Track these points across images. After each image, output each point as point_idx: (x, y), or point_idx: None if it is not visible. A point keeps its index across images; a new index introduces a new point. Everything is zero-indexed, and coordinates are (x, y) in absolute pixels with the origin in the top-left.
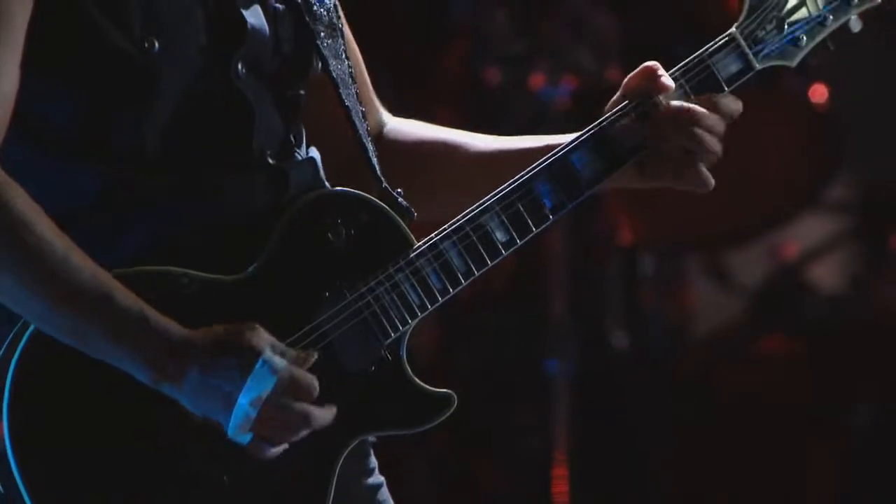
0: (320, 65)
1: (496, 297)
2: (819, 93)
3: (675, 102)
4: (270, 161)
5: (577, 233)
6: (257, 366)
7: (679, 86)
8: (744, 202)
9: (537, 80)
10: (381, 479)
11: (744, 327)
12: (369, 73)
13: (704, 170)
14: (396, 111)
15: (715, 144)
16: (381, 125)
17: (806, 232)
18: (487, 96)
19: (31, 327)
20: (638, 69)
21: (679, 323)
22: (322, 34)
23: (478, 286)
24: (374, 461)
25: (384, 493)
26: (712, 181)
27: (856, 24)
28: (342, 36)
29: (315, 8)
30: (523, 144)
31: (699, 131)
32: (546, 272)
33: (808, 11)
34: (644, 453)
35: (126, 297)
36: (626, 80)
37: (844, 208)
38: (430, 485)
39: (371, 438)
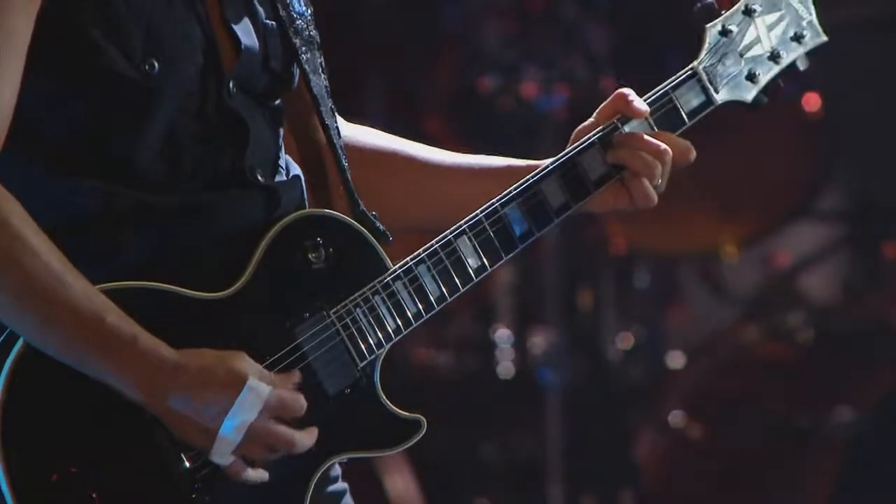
0: (300, 79)
1: (489, 305)
2: (812, 101)
3: (636, 131)
4: (261, 179)
5: (570, 242)
6: (243, 392)
7: (643, 118)
8: (737, 211)
9: (529, 90)
10: (345, 485)
11: (737, 335)
12: (363, 81)
13: (648, 185)
14: (389, 119)
15: (661, 174)
16: None
17: (799, 240)
18: (480, 105)
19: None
20: (610, 97)
21: (672, 331)
22: (303, 49)
23: (470, 294)
24: (337, 469)
25: (347, 501)
26: (655, 198)
27: (802, 63)
28: (318, 49)
29: (297, 22)
30: (484, 163)
31: (649, 157)
32: (540, 281)
33: (763, 48)
34: (638, 461)
35: (118, 316)
36: (599, 108)
37: (837, 217)
38: (422, 494)
39: (343, 459)
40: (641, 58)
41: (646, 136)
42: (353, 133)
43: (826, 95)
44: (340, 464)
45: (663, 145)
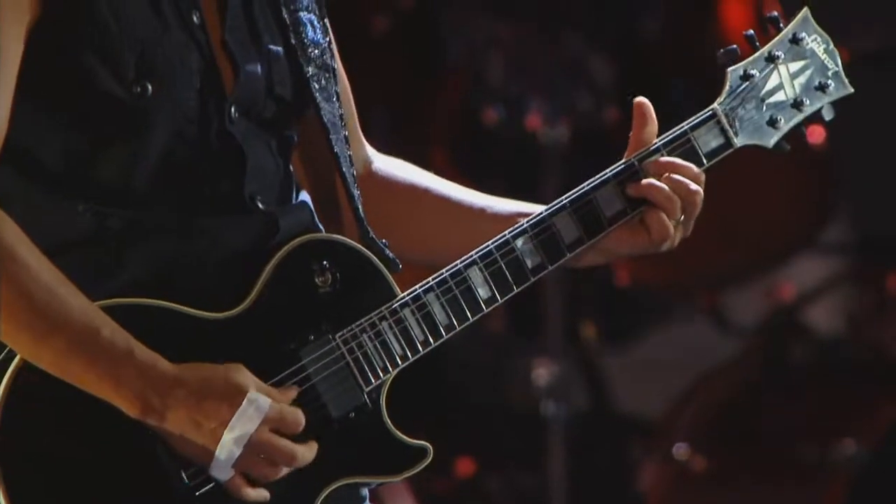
0: (312, 108)
1: (492, 335)
2: (816, 133)
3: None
4: (261, 206)
5: (573, 272)
6: (244, 404)
7: (661, 156)
8: (741, 243)
9: (534, 121)
10: None
11: (741, 368)
12: (367, 113)
13: (667, 220)
14: (393, 150)
15: (681, 210)
16: (368, 163)
17: (803, 273)
18: (484, 136)
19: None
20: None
21: (676, 364)
22: (315, 76)
23: (473, 324)
24: (365, 491)
25: None
26: (671, 233)
27: (828, 113)
28: (335, 76)
29: (310, 50)
30: (516, 207)
31: (669, 191)
32: (542, 311)
33: (786, 94)
34: (641, 494)
35: (113, 330)
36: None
37: (841, 249)
38: None
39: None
40: (646, 90)
41: (677, 162)
42: (388, 166)
43: (830, 127)
44: (370, 490)
45: (693, 185)
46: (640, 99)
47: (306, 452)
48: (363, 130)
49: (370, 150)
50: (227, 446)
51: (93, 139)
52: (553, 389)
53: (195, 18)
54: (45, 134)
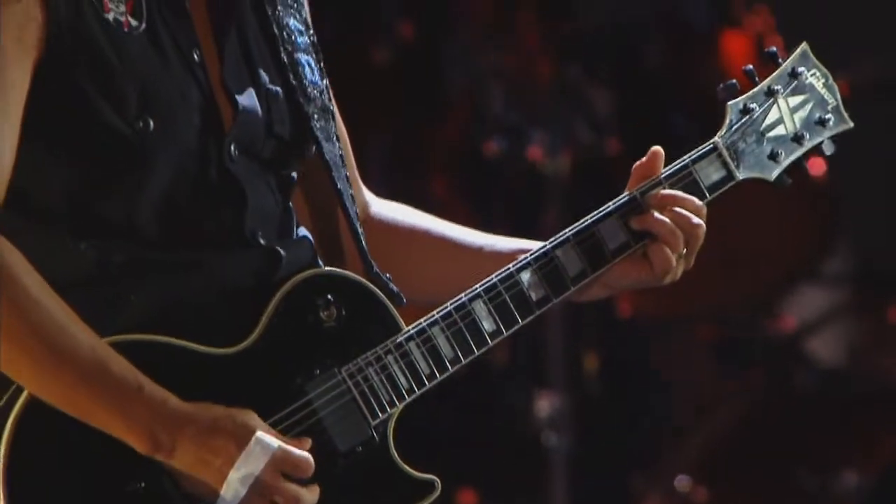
0: (314, 147)
1: (494, 367)
2: (816, 165)
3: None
4: (262, 242)
5: (576, 304)
6: (251, 443)
7: (663, 189)
8: (743, 274)
9: (535, 152)
10: None
11: (742, 400)
12: (367, 144)
13: (670, 253)
14: (393, 181)
15: (684, 244)
16: (366, 207)
17: (804, 304)
18: (485, 167)
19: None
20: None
21: (678, 395)
22: (315, 116)
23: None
24: None
25: None
26: (674, 265)
27: (828, 147)
28: (333, 118)
29: (309, 90)
30: (517, 245)
31: (671, 225)
32: (544, 342)
33: (786, 129)
34: None
35: (122, 365)
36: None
37: (842, 281)
38: None
39: None
40: (646, 121)
41: (679, 195)
42: (386, 209)
43: (830, 159)
44: None
45: (695, 218)
46: (657, 149)
47: (311, 498)
48: (363, 162)
49: (368, 195)
50: (233, 485)
51: (95, 175)
52: (555, 421)
53: (195, 56)
54: (47, 172)
